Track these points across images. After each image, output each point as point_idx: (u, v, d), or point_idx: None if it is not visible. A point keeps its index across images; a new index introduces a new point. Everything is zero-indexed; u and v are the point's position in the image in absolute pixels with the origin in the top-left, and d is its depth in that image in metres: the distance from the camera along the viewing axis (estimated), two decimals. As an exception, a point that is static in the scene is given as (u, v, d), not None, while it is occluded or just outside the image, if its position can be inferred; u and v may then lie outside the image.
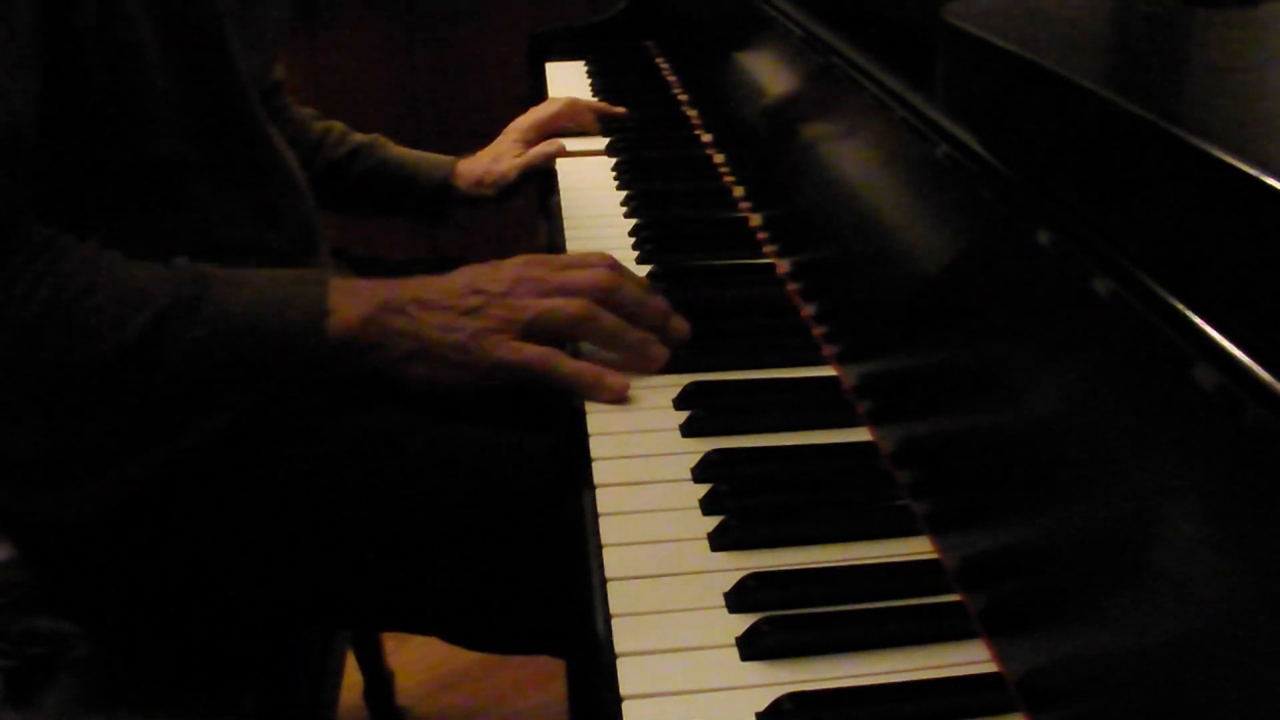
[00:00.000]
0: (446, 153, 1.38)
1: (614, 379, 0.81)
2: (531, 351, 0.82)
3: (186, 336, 0.79)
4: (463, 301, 0.84)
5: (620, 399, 0.80)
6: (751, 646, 0.59)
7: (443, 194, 1.35)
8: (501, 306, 0.83)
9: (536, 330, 0.83)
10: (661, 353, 0.85)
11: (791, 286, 0.97)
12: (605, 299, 0.84)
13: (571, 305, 0.83)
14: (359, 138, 1.33)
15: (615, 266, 0.87)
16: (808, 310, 0.93)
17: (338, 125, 1.33)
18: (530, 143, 1.39)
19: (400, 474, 0.96)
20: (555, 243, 1.11)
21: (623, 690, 0.57)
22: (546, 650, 1.01)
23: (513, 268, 0.86)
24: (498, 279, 0.85)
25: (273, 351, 0.82)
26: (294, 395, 0.88)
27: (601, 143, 1.37)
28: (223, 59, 0.93)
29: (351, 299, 0.84)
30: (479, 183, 1.37)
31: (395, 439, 0.99)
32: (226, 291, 0.81)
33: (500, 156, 1.38)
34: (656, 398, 0.82)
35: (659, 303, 0.87)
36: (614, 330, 0.84)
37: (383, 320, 0.84)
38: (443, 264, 1.29)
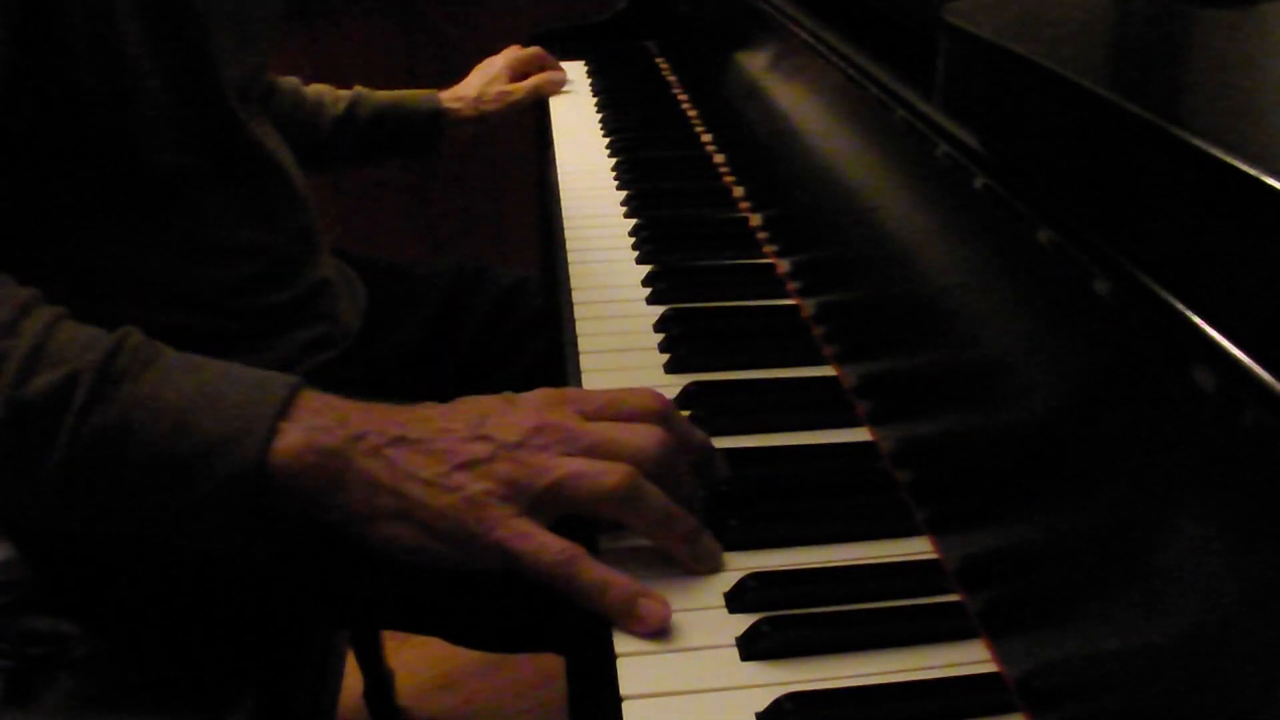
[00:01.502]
0: (446, 155, 1.45)
1: (652, 607, 0.61)
2: (547, 546, 0.61)
3: (93, 414, 0.62)
4: (463, 449, 0.63)
5: (657, 633, 0.60)
6: (751, 646, 0.59)
7: (434, 123, 1.44)
8: (513, 462, 0.62)
9: (554, 501, 0.62)
10: (717, 549, 0.65)
11: (791, 286, 0.97)
12: (655, 470, 0.63)
13: (611, 475, 0.61)
14: (346, 92, 1.41)
15: (671, 418, 0.67)
16: (808, 310, 0.93)
17: (325, 87, 1.40)
18: (516, 75, 1.53)
19: None
20: (555, 241, 1.11)
21: (623, 690, 0.57)
22: (546, 649, 1.01)
23: (533, 408, 0.65)
24: (512, 422, 0.64)
25: (189, 461, 0.62)
26: (225, 538, 0.65)
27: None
28: (206, 66, 0.93)
29: (314, 420, 0.64)
30: (479, 99, 1.47)
31: None
32: (165, 374, 0.64)
33: (493, 80, 1.49)
34: (656, 398, 0.82)
35: (722, 467, 0.70)
36: (662, 516, 0.63)
37: (348, 458, 0.63)
38: (459, 271, 1.30)
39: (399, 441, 0.64)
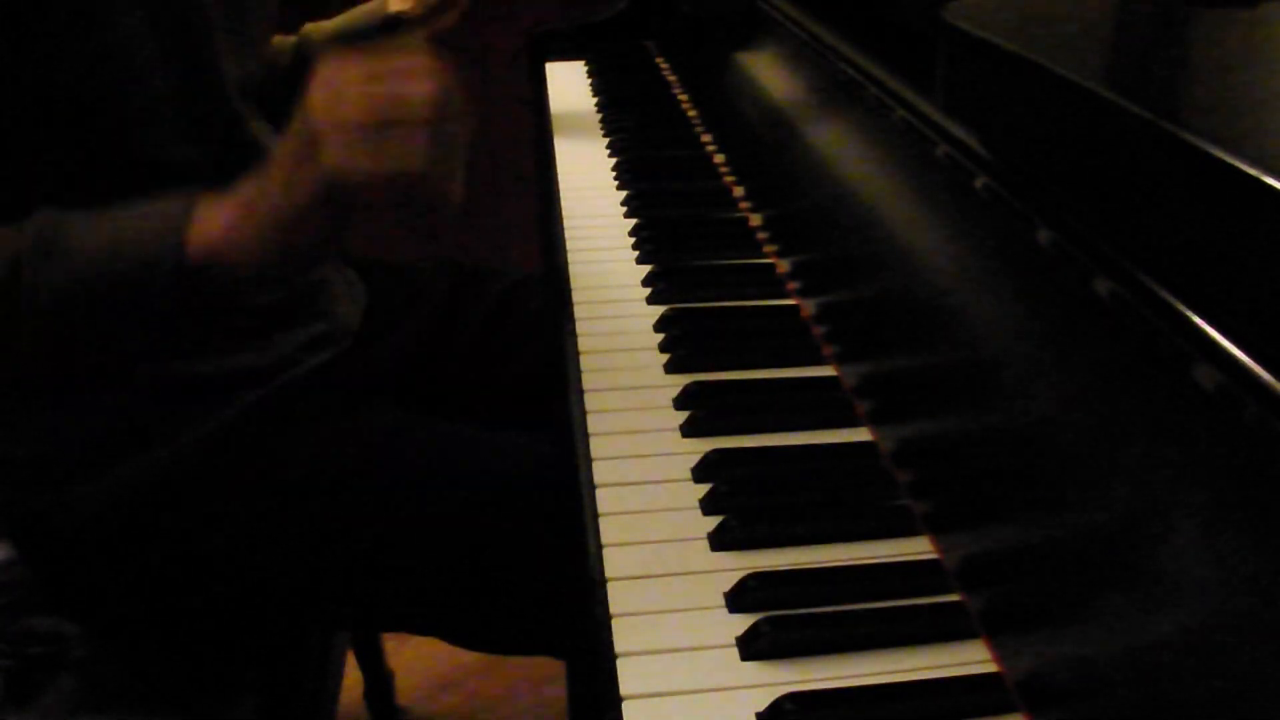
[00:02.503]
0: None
1: None
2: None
3: (44, 280, 0.75)
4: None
5: None
6: (751, 646, 0.59)
7: (393, 31, 1.31)
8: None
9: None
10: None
11: (791, 286, 0.97)
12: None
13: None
14: (292, 37, 1.29)
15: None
16: (808, 310, 0.93)
17: (277, 38, 1.27)
18: None
19: (400, 473, 0.96)
20: (555, 241, 1.11)
21: (623, 690, 0.57)
22: (546, 651, 1.01)
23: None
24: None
25: (137, 279, 0.75)
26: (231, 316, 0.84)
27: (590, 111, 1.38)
28: (211, 68, 0.93)
29: (217, 205, 0.76)
30: None
31: (395, 438, 0.99)
32: (83, 230, 0.77)
33: None
34: (656, 398, 0.82)
35: None
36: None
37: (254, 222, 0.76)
38: (459, 271, 1.30)
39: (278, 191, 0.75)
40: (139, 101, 0.88)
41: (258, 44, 1.04)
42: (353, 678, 1.47)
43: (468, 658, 1.69)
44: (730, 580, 0.64)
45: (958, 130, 0.66)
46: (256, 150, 1.00)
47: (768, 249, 1.05)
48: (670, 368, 0.86)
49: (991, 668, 0.58)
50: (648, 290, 0.98)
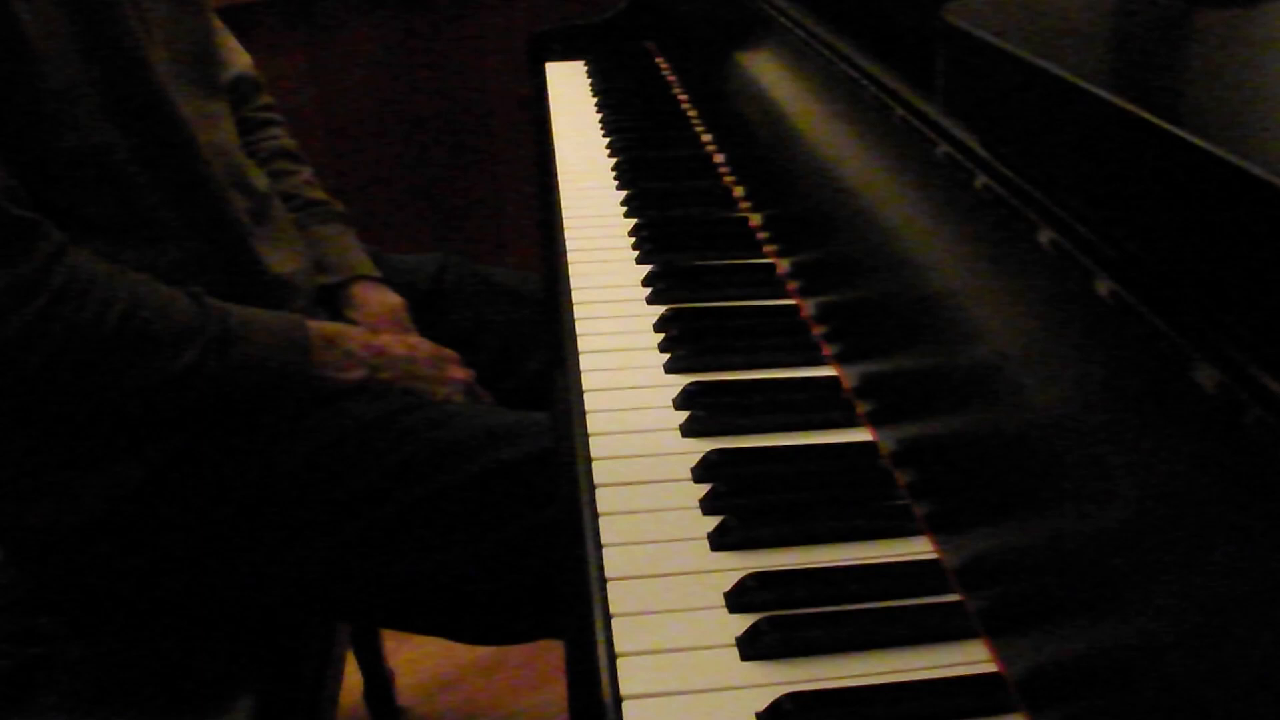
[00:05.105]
0: (447, 155, 1.38)
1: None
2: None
3: (219, 366, 0.94)
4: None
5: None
6: (751, 646, 0.59)
7: None
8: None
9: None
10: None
11: (791, 286, 0.97)
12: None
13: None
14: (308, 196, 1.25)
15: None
16: (808, 310, 0.93)
17: (295, 182, 1.25)
18: None
19: (394, 459, 0.96)
20: (555, 241, 1.11)
21: (623, 690, 0.57)
22: (548, 634, 1.01)
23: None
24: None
25: (277, 374, 0.99)
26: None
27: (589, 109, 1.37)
28: (132, 50, 0.93)
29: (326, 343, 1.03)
30: None
31: (388, 424, 0.99)
32: (243, 329, 0.96)
33: None
34: (656, 397, 0.82)
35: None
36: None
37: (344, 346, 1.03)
38: (435, 263, 1.29)
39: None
40: (56, 84, 0.88)
41: (190, 24, 1.04)
42: (353, 678, 1.47)
43: (468, 658, 1.69)
44: (730, 580, 0.64)
45: (958, 130, 0.66)
46: (181, 130, 0.98)
47: (768, 249, 1.05)
48: (670, 368, 0.86)
49: (991, 668, 0.58)
50: (648, 290, 0.98)
